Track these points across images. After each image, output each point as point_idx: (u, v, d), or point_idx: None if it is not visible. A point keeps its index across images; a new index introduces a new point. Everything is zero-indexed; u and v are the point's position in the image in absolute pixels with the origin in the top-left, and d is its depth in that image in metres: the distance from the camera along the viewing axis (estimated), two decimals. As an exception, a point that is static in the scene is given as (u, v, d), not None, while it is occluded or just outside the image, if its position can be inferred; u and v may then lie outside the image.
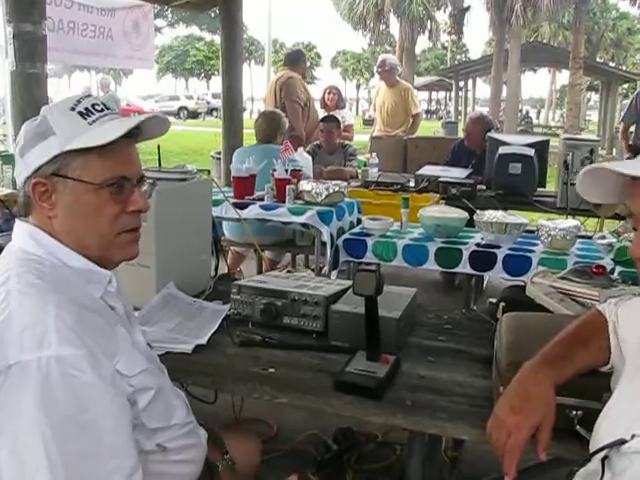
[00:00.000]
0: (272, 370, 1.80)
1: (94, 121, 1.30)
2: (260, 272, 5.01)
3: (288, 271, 5.44)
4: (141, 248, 2.18)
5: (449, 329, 2.16)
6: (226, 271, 2.82)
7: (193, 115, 40.92)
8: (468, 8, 33.46)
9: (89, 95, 1.37)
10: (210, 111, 40.88)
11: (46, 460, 1.06)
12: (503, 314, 1.88)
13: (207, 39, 49.50)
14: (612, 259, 3.17)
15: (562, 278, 2.18)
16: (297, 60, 6.85)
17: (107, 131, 1.27)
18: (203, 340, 1.97)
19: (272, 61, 20.93)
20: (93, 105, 1.33)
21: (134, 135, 1.34)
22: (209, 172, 7.37)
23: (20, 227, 1.33)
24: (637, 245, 1.26)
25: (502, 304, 2.05)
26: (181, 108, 41.63)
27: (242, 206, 3.92)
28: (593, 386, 1.41)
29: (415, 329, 2.14)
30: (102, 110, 1.33)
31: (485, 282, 5.10)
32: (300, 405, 1.68)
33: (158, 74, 54.48)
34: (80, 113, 1.30)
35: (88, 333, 1.17)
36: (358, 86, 67.22)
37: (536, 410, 1.28)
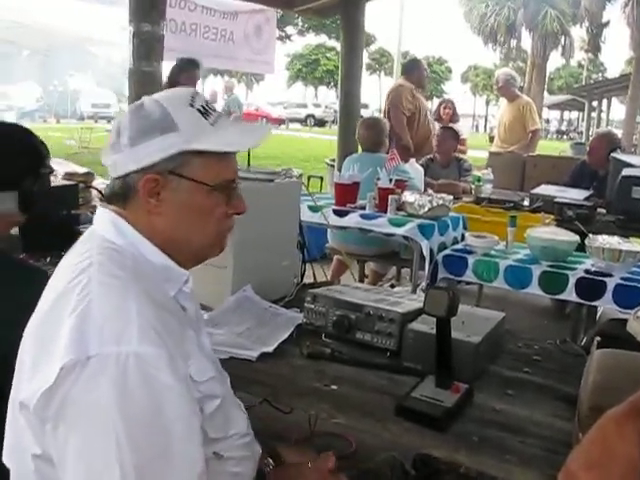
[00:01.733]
0: (334, 387, 1.70)
1: (215, 122, 1.29)
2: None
3: (392, 285, 5.35)
4: (219, 247, 2.17)
5: (537, 361, 1.98)
6: (328, 279, 2.74)
7: (320, 123, 41.43)
8: (607, 23, 32.09)
9: (197, 92, 1.34)
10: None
11: (117, 462, 1.01)
12: (597, 349, 1.70)
13: (338, 49, 49.92)
14: None
15: (671, 315, 1.95)
16: (412, 69, 6.75)
17: (233, 137, 1.29)
18: (270, 348, 1.89)
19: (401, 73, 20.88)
20: (207, 103, 1.32)
21: None
22: (322, 179, 7.40)
23: (103, 213, 1.29)
24: None
25: (597, 338, 1.86)
26: (308, 116, 42.27)
27: (342, 214, 3.84)
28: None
29: (500, 357, 1.97)
30: (215, 110, 1.32)
31: (599, 313, 4.79)
32: (356, 427, 1.56)
33: (288, 81, 55.56)
34: (199, 111, 1.27)
35: (166, 332, 1.11)
36: (487, 102, 66.02)
37: (616, 468, 1.09)
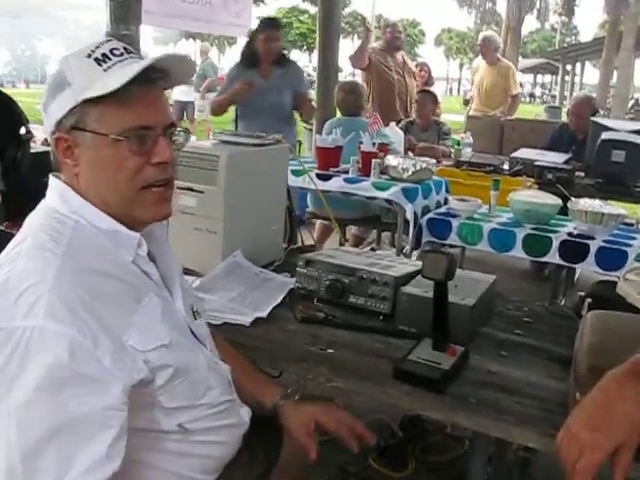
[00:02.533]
0: (330, 351, 1.70)
1: (110, 67, 1.19)
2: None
3: (372, 249, 5.36)
4: (209, 213, 2.16)
5: (528, 323, 2.00)
6: (311, 243, 2.73)
7: (293, 86, 40.91)
8: (581, -13, 32.04)
9: (110, 40, 1.25)
10: (311, 84, 40.95)
11: (4, 440, 1.00)
12: (588, 312, 1.71)
13: (311, 12, 49.56)
14: None
15: (659, 277, 1.97)
16: (382, 30, 6.73)
17: (119, 76, 1.16)
18: (264, 313, 1.88)
19: (375, 37, 20.71)
20: (112, 50, 1.21)
21: (160, 80, 1.23)
22: (300, 143, 7.34)
23: (52, 183, 1.26)
24: None
25: (588, 300, 1.88)
26: (281, 78, 41.72)
27: (325, 178, 3.82)
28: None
29: (491, 320, 1.99)
30: (121, 54, 1.22)
31: (577, 275, 4.84)
32: (355, 391, 1.57)
33: (262, 44, 54.88)
34: (96, 60, 1.20)
35: (92, 306, 1.08)
36: (461, 65, 65.83)
37: (618, 429, 1.10)
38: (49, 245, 1.13)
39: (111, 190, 1.22)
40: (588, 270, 3.44)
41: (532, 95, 53.67)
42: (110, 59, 1.20)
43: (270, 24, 5.01)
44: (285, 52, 5.18)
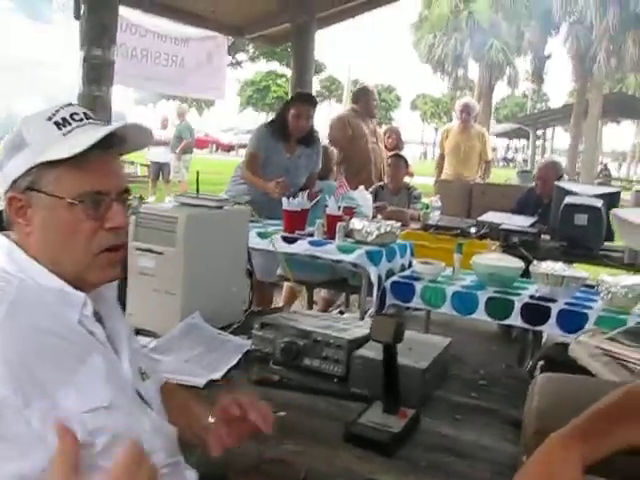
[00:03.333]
0: (282, 413, 1.68)
1: (69, 131, 1.21)
2: (310, 310, 4.93)
3: (340, 311, 5.36)
4: (167, 274, 2.16)
5: (484, 385, 2.01)
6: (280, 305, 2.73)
7: (269, 149, 41.30)
8: (549, 56, 33.05)
9: (70, 104, 1.27)
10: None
11: None
12: (540, 374, 1.73)
13: (289, 75, 50.20)
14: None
15: (611, 339, 2.00)
16: (358, 97, 6.80)
17: (78, 141, 1.18)
18: (218, 375, 1.88)
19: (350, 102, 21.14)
20: (72, 114, 1.24)
21: (116, 146, 1.25)
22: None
23: (1, 242, 1.26)
24: None
25: (540, 363, 1.89)
26: (258, 141, 42.12)
27: (291, 240, 3.84)
28: (636, 467, 1.23)
29: (447, 382, 1.99)
30: (81, 120, 1.24)
31: (545, 337, 4.86)
32: (306, 453, 1.55)
33: (239, 107, 55.56)
34: (56, 123, 1.22)
35: (28, 365, 1.07)
36: (436, 130, 67.05)
37: None
38: None
39: (65, 253, 1.22)
40: (556, 333, 3.47)
41: (505, 159, 54.69)
42: (70, 124, 1.22)
43: (302, 99, 4.84)
44: (315, 131, 4.96)
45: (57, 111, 1.24)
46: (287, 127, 4.65)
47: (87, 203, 1.20)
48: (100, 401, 1.16)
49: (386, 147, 7.57)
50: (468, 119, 7.60)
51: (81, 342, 1.20)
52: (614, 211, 1.08)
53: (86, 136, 1.19)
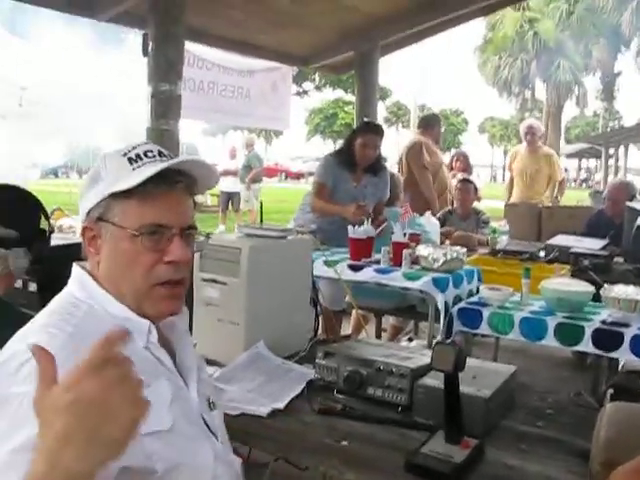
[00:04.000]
0: (345, 443, 1.69)
1: (139, 167, 1.28)
2: (379, 337, 4.92)
3: (409, 339, 5.33)
4: (231, 304, 2.20)
5: (550, 414, 1.96)
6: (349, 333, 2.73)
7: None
8: (620, 73, 32.39)
9: (147, 142, 1.36)
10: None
11: None
12: (610, 402, 1.68)
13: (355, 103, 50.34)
14: None
15: (684, 366, 1.94)
16: (432, 125, 6.80)
17: (141, 175, 1.25)
18: (281, 404, 1.89)
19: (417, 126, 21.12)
20: (146, 152, 1.31)
21: (181, 182, 1.30)
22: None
23: (74, 270, 1.34)
24: None
25: (610, 391, 1.84)
26: (327, 169, 42.43)
27: (357, 268, 3.85)
28: None
29: (512, 411, 1.96)
30: (154, 157, 1.31)
31: (621, 364, 4.72)
32: (367, 485, 1.55)
33: (307, 135, 56.11)
34: (130, 159, 1.30)
35: None
36: (505, 152, 66.27)
37: None
38: (58, 324, 1.20)
39: (125, 282, 1.29)
40: (635, 360, 3.37)
41: (577, 180, 53.54)
42: (142, 159, 1.30)
43: (369, 129, 4.79)
44: (383, 159, 4.93)
45: (134, 148, 1.32)
46: (354, 156, 4.64)
47: (148, 235, 1.26)
48: (161, 425, 1.19)
49: (453, 170, 7.55)
50: (533, 140, 7.48)
51: (146, 367, 1.23)
52: None
53: (150, 170, 1.26)
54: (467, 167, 7.75)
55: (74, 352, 1.13)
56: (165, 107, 4.58)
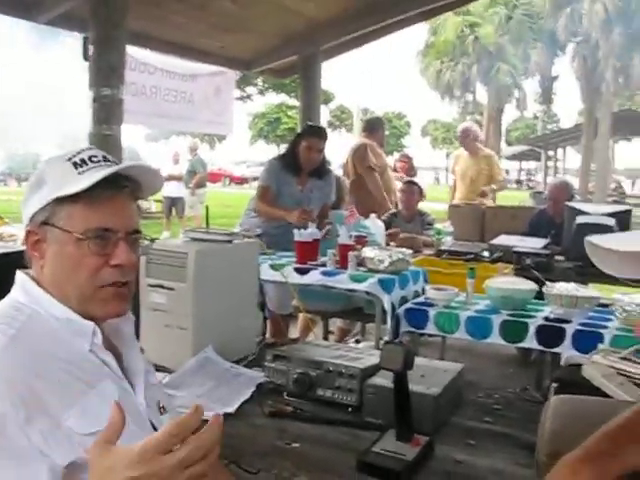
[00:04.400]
0: (296, 445, 1.69)
1: (85, 171, 1.28)
2: (326, 340, 4.92)
3: (357, 340, 5.35)
4: (178, 309, 2.18)
5: (498, 410, 2.00)
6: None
7: (283, 180, 41.56)
8: (557, 77, 33.13)
9: (91, 148, 1.35)
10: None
11: None
12: (554, 396, 1.72)
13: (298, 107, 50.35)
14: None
15: (624, 358, 1.99)
16: (376, 128, 6.86)
17: (87, 180, 1.25)
18: (231, 408, 1.89)
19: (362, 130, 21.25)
20: (91, 157, 1.31)
21: (127, 187, 1.30)
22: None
23: (17, 277, 1.32)
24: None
25: (554, 385, 1.89)
26: (270, 173, 42.37)
27: (304, 271, 3.85)
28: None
29: (461, 408, 1.99)
30: (99, 161, 1.31)
31: (563, 359, 4.82)
32: (320, 485, 1.56)
33: (251, 140, 55.91)
34: (74, 163, 1.29)
35: (32, 385, 1.12)
36: (448, 155, 67.15)
37: None
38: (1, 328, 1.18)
39: (70, 284, 1.28)
40: (574, 354, 3.44)
41: (519, 182, 54.55)
42: (87, 164, 1.29)
43: (313, 132, 4.79)
44: (327, 162, 4.92)
45: (78, 153, 1.31)
46: (298, 160, 4.65)
47: (93, 239, 1.26)
48: (104, 425, 1.18)
49: (397, 172, 7.62)
50: (469, 144, 7.61)
51: (92, 369, 1.24)
52: (586, 238, 1.09)
53: (97, 175, 1.26)
54: (411, 169, 7.83)
55: (14, 355, 1.15)
56: (107, 112, 4.51)
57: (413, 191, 5.98)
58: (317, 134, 4.76)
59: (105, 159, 1.32)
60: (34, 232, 1.28)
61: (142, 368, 1.41)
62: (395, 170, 7.68)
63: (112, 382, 1.26)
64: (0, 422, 1.06)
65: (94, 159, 1.30)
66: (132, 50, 5.81)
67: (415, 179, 6.71)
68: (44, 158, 1.37)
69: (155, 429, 1.35)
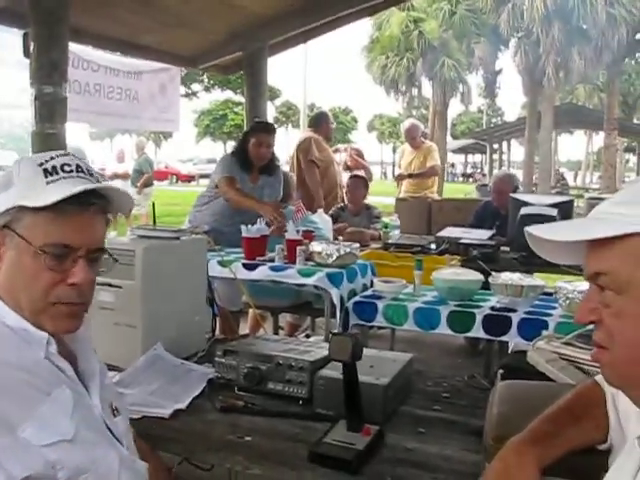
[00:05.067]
0: (248, 438, 1.70)
1: (53, 181, 1.24)
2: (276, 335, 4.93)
3: (307, 335, 5.37)
4: (127, 307, 2.16)
5: (447, 398, 2.04)
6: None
7: (230, 177, 41.34)
8: (500, 71, 33.64)
9: (67, 154, 1.31)
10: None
11: None
12: (500, 382, 1.76)
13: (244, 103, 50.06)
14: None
15: (566, 343, 2.05)
16: (319, 122, 6.89)
17: (54, 193, 1.21)
18: (183, 405, 1.89)
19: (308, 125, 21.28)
20: (63, 165, 1.27)
21: (93, 204, 1.27)
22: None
23: None
24: (579, 310, 1.11)
25: (500, 371, 1.93)
26: (218, 170, 42.13)
27: (252, 267, 3.85)
28: (589, 465, 1.27)
29: (410, 397, 2.02)
30: (71, 171, 1.27)
31: (511, 347, 4.92)
32: (272, 477, 1.57)
33: (197, 137, 55.47)
34: (45, 170, 1.25)
35: None
36: (394, 149, 67.68)
37: None
38: None
39: (24, 295, 1.24)
40: (518, 342, 3.52)
41: (464, 175, 55.34)
42: (58, 174, 1.25)
43: (261, 128, 4.86)
44: (276, 159, 5.00)
45: (51, 158, 1.27)
46: (249, 157, 4.69)
47: (52, 255, 1.23)
48: (62, 435, 1.17)
49: (348, 168, 7.66)
50: (414, 141, 7.75)
51: (47, 376, 1.22)
52: (526, 229, 1.12)
53: (61, 189, 1.22)
54: (363, 165, 7.90)
55: None
56: (50, 110, 4.42)
57: (358, 185, 6.02)
58: (265, 129, 4.81)
59: (78, 169, 1.28)
60: None
61: (97, 370, 1.40)
62: (347, 166, 7.73)
63: (67, 387, 1.23)
64: None
65: (66, 168, 1.27)
66: (75, 47, 5.72)
67: (361, 172, 6.76)
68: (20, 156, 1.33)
69: (110, 431, 1.34)
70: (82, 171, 1.29)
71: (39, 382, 1.19)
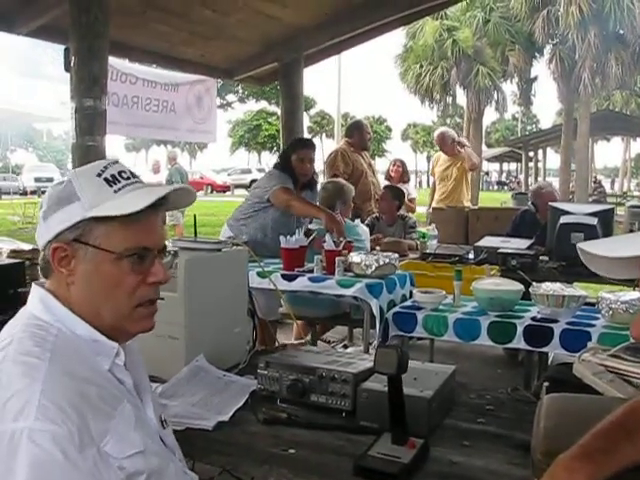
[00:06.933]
0: (292, 451, 1.70)
1: (120, 189, 1.27)
2: (314, 345, 4.92)
3: (344, 345, 5.35)
4: (170, 319, 2.17)
5: (491, 410, 2.02)
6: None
7: (264, 187, 41.57)
8: (535, 78, 33.29)
9: (116, 162, 1.33)
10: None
11: None
12: (546, 395, 1.74)
13: (279, 114, 50.25)
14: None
15: (613, 356, 2.01)
16: (351, 131, 6.88)
17: (132, 200, 1.24)
18: (226, 416, 1.89)
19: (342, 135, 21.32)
20: (120, 172, 1.29)
21: (159, 205, 1.29)
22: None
23: (34, 291, 1.29)
24: (635, 325, 1.09)
25: (545, 384, 1.90)
26: (253, 181, 42.45)
27: (291, 278, 3.86)
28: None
29: (454, 410, 2.00)
30: (128, 178, 1.30)
31: (550, 358, 4.86)
32: (317, 491, 1.56)
33: (232, 148, 55.88)
34: (106, 180, 1.27)
35: (79, 410, 1.10)
36: (428, 158, 67.45)
37: None
38: (34, 351, 1.15)
39: (108, 304, 1.26)
40: (562, 353, 3.47)
41: (500, 183, 54.93)
42: (119, 181, 1.28)
43: (303, 144, 4.97)
44: (316, 174, 5.11)
45: (106, 168, 1.29)
46: (295, 174, 4.75)
47: (134, 258, 1.25)
48: (136, 447, 1.19)
49: (392, 178, 7.66)
50: (447, 148, 7.69)
51: (113, 390, 1.23)
52: (578, 245, 1.10)
53: (137, 195, 1.26)
54: (404, 174, 7.89)
55: (59, 380, 1.12)
56: (90, 123, 4.50)
57: (387, 196, 6.03)
58: (307, 146, 4.93)
59: (132, 175, 1.32)
60: (62, 248, 1.25)
61: (149, 383, 1.42)
62: (390, 176, 7.74)
63: (128, 402, 1.24)
64: (62, 449, 1.04)
65: (123, 175, 1.29)
66: (113, 60, 5.81)
67: (407, 185, 6.76)
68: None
69: (163, 443, 1.35)
70: (135, 176, 1.33)
71: (108, 397, 1.19)
